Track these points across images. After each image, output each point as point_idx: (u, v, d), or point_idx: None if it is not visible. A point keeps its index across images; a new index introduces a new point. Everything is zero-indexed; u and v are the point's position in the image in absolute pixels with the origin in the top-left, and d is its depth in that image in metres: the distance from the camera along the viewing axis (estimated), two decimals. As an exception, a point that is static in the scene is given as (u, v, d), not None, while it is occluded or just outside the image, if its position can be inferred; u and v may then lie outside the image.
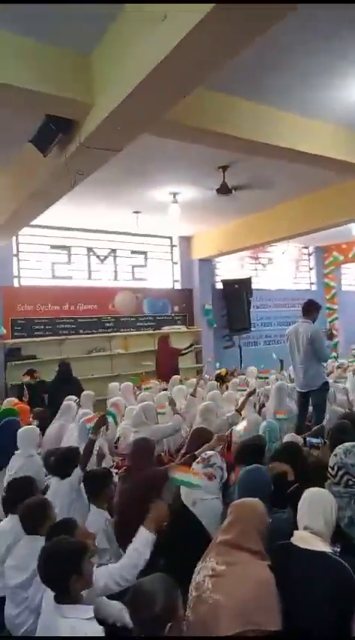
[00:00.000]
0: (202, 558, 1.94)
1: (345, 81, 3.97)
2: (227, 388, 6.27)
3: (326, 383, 4.99)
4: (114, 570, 2.07)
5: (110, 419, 4.09)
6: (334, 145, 4.84)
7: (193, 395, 5.32)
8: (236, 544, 1.87)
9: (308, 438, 3.56)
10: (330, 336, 11.17)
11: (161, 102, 3.21)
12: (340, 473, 2.49)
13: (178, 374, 7.45)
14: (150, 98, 3.09)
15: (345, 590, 1.72)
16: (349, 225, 8.49)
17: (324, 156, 4.79)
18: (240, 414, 4.30)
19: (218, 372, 7.75)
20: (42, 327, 7.80)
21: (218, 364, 8.30)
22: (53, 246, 8.29)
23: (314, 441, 3.42)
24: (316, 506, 1.98)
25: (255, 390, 5.16)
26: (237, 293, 9.63)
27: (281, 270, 11.28)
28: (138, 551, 2.06)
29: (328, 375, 5.85)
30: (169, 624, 1.47)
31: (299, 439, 3.62)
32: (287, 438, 3.62)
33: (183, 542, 2.31)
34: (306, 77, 3.89)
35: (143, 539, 2.08)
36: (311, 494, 2.07)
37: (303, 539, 1.89)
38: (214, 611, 1.72)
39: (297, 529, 1.98)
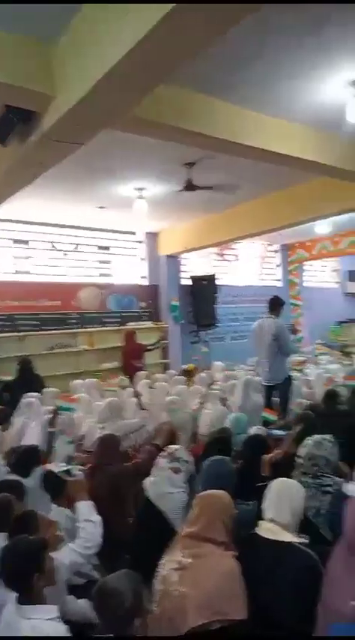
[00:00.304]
0: (168, 552, 1.93)
1: (310, 83, 4.02)
2: (193, 383, 6.30)
3: (290, 376, 5.10)
4: (73, 545, 2.15)
5: (69, 413, 4.05)
6: (301, 144, 4.90)
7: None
8: (202, 536, 1.88)
9: (272, 430, 3.61)
10: (294, 331, 11.41)
11: (123, 98, 3.18)
12: (310, 464, 2.54)
13: (144, 370, 7.43)
14: (113, 94, 3.05)
15: (310, 579, 1.75)
16: (312, 224, 8.70)
17: (291, 155, 4.84)
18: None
19: (185, 367, 7.77)
20: (0, 323, 7.57)
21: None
22: (16, 241, 8.08)
23: (279, 432, 3.48)
24: (283, 499, 1.99)
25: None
26: (204, 289, 9.69)
27: (248, 266, 11.43)
28: (87, 519, 2.19)
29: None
30: (136, 620, 1.46)
31: (265, 431, 3.67)
32: (253, 431, 3.67)
33: (148, 537, 2.30)
34: (274, 78, 3.92)
35: (85, 509, 2.23)
36: (278, 485, 2.07)
37: (269, 530, 1.91)
38: (181, 604, 1.72)
39: (263, 519, 2.01)
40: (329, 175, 5.69)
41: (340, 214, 7.49)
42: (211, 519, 1.90)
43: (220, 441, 3.25)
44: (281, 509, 1.95)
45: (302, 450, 2.66)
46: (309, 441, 2.65)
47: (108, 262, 9.25)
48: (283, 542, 1.86)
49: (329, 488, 2.39)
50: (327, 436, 2.69)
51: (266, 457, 2.96)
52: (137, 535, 2.29)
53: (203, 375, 6.74)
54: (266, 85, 4.03)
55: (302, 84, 4.05)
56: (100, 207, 7.39)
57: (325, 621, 1.65)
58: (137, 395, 4.60)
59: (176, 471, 2.54)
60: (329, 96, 4.23)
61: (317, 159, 5.05)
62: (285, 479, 2.17)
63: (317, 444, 2.59)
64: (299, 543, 1.87)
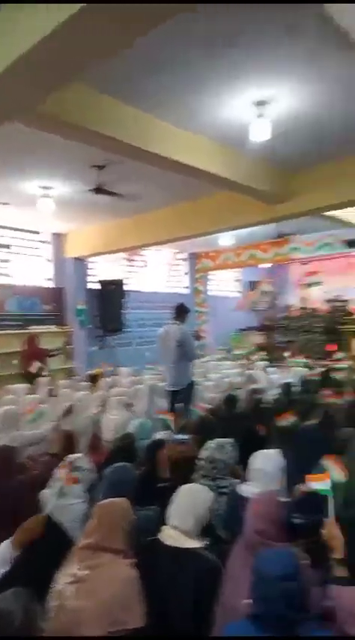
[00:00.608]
0: (62, 566, 1.86)
1: (218, 99, 4.19)
2: (98, 389, 6.20)
3: (193, 382, 5.25)
4: None
5: None
6: (207, 158, 5.09)
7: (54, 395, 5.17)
8: (100, 546, 1.84)
9: (175, 435, 3.67)
10: (198, 338, 11.78)
11: (28, 93, 3.10)
12: (210, 466, 2.62)
13: (45, 375, 7.14)
14: (16, 88, 2.96)
15: (211, 582, 1.79)
16: (217, 235, 9.08)
17: (197, 167, 5.02)
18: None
19: (91, 372, 7.61)
20: None
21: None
22: None
23: (180, 437, 3.54)
24: (188, 505, 2.00)
25: None
26: (112, 294, 9.60)
27: (156, 273, 11.56)
28: None
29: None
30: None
31: (169, 435, 3.72)
32: (158, 436, 3.70)
33: (44, 552, 2.20)
34: (184, 90, 4.03)
35: None
36: (185, 491, 2.08)
37: (171, 536, 1.92)
38: (77, 617, 1.67)
39: (165, 524, 2.02)
40: (233, 190, 5.98)
41: (242, 228, 7.92)
42: (110, 528, 1.87)
43: (124, 448, 3.23)
44: (185, 515, 1.97)
45: (203, 453, 2.74)
46: (212, 444, 2.74)
47: (8, 262, 8.75)
48: (184, 548, 1.88)
49: (225, 490, 2.49)
50: (229, 440, 2.81)
51: (165, 456, 3.00)
52: (31, 550, 2.17)
53: (107, 379, 6.66)
54: (177, 96, 4.13)
55: (211, 99, 4.20)
56: (3, 204, 6.99)
57: (223, 621, 1.70)
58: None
59: (75, 481, 2.47)
60: (235, 114, 4.46)
61: (223, 174, 5.28)
62: (193, 485, 2.20)
63: (219, 448, 2.69)
64: (200, 548, 1.90)
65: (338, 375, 6.67)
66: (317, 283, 10.86)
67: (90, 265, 9.97)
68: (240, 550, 1.84)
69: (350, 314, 9.97)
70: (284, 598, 1.33)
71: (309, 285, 10.94)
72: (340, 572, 1.79)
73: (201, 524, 1.99)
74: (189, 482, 2.31)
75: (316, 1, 2.76)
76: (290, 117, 4.55)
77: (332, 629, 1.52)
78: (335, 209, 6.94)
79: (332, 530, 1.89)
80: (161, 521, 2.17)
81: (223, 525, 2.32)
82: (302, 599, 1.38)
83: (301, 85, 3.99)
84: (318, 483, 2.11)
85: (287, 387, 5.85)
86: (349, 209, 7.15)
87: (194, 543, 1.91)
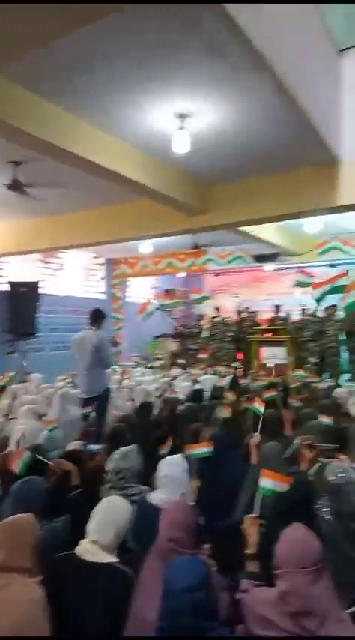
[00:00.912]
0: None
1: (142, 106, 4.21)
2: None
3: (109, 389, 5.16)
4: None
5: None
6: (129, 164, 5.09)
7: None
8: (6, 566, 1.72)
9: (88, 445, 3.58)
10: (114, 344, 11.66)
11: None
12: (116, 477, 2.58)
13: None
14: None
15: (125, 595, 1.76)
16: (137, 242, 9.10)
17: (116, 172, 4.99)
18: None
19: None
20: None
21: None
22: None
23: (94, 447, 3.46)
24: (107, 519, 1.96)
25: None
26: (24, 296, 9.16)
27: (72, 276, 11.27)
28: None
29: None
30: None
31: (81, 445, 3.61)
32: (70, 446, 3.57)
33: None
34: (109, 96, 4.01)
35: None
36: (104, 504, 2.04)
37: (88, 551, 1.87)
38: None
39: (75, 535, 1.94)
40: (153, 199, 6.04)
41: (162, 237, 8.02)
42: (14, 546, 1.75)
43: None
44: (105, 529, 1.93)
45: (109, 464, 2.70)
46: (115, 455, 2.71)
47: None
48: (102, 563, 1.84)
49: (134, 498, 2.47)
50: (132, 447, 2.79)
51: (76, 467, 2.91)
52: None
53: (14, 386, 6.32)
54: (101, 99, 4.09)
55: (135, 106, 4.21)
56: None
57: (134, 632, 1.67)
58: None
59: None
60: (158, 123, 4.52)
61: (143, 181, 5.31)
62: (111, 497, 2.16)
63: (124, 457, 2.67)
64: (117, 562, 1.87)
65: (257, 383, 6.98)
66: (206, 298, 11.36)
67: (0, 265, 9.45)
68: (152, 560, 1.83)
69: (258, 324, 10.52)
70: (191, 609, 1.34)
71: (199, 300, 11.40)
72: (252, 566, 1.86)
73: (121, 536, 1.97)
74: (100, 494, 2.26)
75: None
76: (211, 132, 4.72)
77: (239, 632, 1.57)
78: (250, 224, 7.32)
79: (249, 527, 1.97)
80: (70, 531, 2.10)
81: (132, 535, 2.30)
82: (209, 608, 1.41)
83: (222, 102, 4.16)
84: (268, 481, 2.15)
85: (198, 393, 5.99)
86: (261, 225, 7.58)
87: (110, 557, 1.87)
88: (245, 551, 1.94)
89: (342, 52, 5.19)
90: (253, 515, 2.05)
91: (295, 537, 1.59)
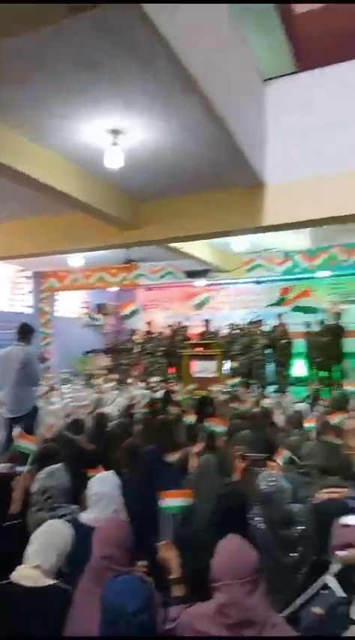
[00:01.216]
0: None
1: (76, 120, 4.19)
2: None
3: (37, 407, 4.95)
4: None
5: None
6: (61, 175, 5.01)
7: None
8: None
9: (19, 467, 3.39)
10: (43, 360, 11.24)
11: None
12: (43, 498, 2.47)
13: None
14: None
15: (62, 614, 1.69)
16: (67, 255, 8.90)
17: (47, 184, 4.89)
18: None
19: None
20: None
21: None
22: None
23: (21, 468, 3.28)
24: (49, 543, 1.89)
25: None
26: None
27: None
28: None
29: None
30: None
31: (8, 468, 3.41)
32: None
33: None
34: (40, 107, 3.94)
35: None
36: (44, 529, 1.97)
37: (28, 576, 1.77)
38: None
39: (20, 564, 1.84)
40: (85, 212, 5.98)
41: (93, 250, 7.93)
42: None
43: None
44: (48, 553, 1.85)
45: (34, 485, 2.59)
46: (41, 474, 2.60)
47: None
48: (44, 586, 1.75)
49: (65, 518, 2.38)
50: (59, 465, 2.70)
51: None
52: None
53: None
54: (33, 110, 4.02)
55: (68, 119, 4.18)
56: None
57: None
58: None
59: None
60: (92, 138, 4.51)
61: (75, 194, 5.26)
62: (54, 521, 2.08)
63: (49, 475, 2.57)
64: (58, 582, 1.79)
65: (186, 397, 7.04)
66: (135, 312, 11.48)
67: None
68: (86, 580, 1.76)
69: (188, 339, 10.70)
70: (140, 632, 1.31)
71: (129, 315, 11.50)
72: (177, 590, 1.82)
73: (62, 560, 1.89)
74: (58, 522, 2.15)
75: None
76: (144, 149, 4.79)
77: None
78: (181, 241, 7.47)
79: (165, 553, 1.93)
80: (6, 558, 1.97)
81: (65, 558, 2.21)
82: (153, 627, 1.38)
83: (154, 121, 4.23)
84: (172, 500, 2.15)
85: (130, 409, 5.92)
86: (191, 242, 7.77)
87: (51, 580, 1.80)
88: (169, 577, 1.88)
89: (266, 82, 5.54)
90: (164, 542, 2.01)
91: (231, 549, 1.60)
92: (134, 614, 1.33)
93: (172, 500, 2.17)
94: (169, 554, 1.93)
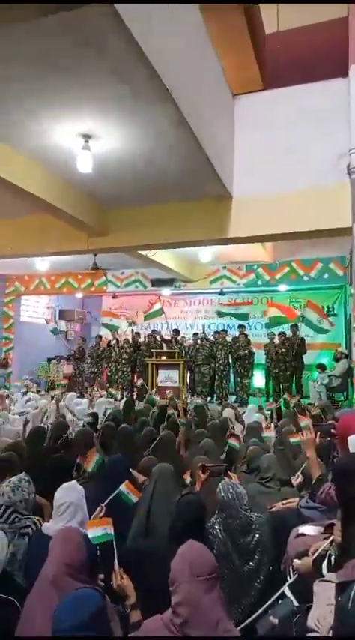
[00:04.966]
0: None
1: (45, 121, 4.15)
2: None
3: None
4: None
5: None
6: (27, 176, 4.94)
7: None
8: None
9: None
10: (4, 366, 10.93)
11: None
12: (8, 512, 2.39)
13: None
14: None
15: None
16: (33, 258, 8.74)
17: (13, 182, 4.81)
18: None
19: None
20: None
21: None
22: None
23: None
24: None
25: None
26: None
27: None
28: None
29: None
30: None
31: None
32: None
33: None
34: (5, 106, 3.89)
35: None
36: None
37: None
38: None
39: None
40: (53, 215, 5.90)
41: (59, 255, 7.82)
42: None
43: None
44: None
45: (-1, 499, 2.50)
46: (6, 487, 2.52)
47: None
48: None
49: (27, 530, 2.31)
50: (21, 476, 2.62)
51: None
52: None
53: None
54: (3, 109, 3.94)
55: (38, 120, 4.14)
56: None
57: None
58: None
59: None
60: (62, 141, 4.48)
61: (42, 195, 5.18)
62: None
63: (15, 488, 2.49)
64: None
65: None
66: (116, 326, 11.40)
67: None
68: (40, 587, 1.71)
69: (154, 347, 10.62)
70: None
71: (110, 328, 11.37)
72: (135, 616, 1.77)
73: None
74: None
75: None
76: (114, 156, 4.78)
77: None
78: (148, 249, 7.48)
79: (118, 580, 1.87)
80: None
81: (23, 569, 2.14)
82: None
83: (125, 128, 4.24)
84: (92, 530, 2.03)
85: (93, 417, 5.84)
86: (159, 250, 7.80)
87: None
88: (125, 603, 1.82)
89: (236, 97, 5.67)
90: (115, 569, 1.94)
91: (189, 550, 1.59)
92: (77, 628, 1.28)
93: (93, 531, 2.03)
94: (123, 581, 1.89)
